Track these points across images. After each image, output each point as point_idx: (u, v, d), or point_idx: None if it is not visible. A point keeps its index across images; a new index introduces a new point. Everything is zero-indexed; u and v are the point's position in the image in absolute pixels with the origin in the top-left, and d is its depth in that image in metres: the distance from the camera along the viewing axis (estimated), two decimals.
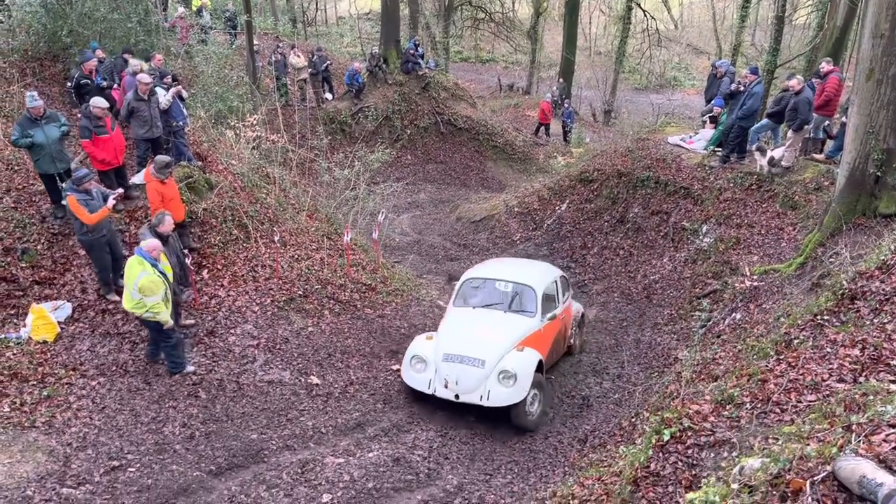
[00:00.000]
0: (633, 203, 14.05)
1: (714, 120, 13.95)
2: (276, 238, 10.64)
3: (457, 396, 8.08)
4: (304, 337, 9.71)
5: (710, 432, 4.98)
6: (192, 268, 9.33)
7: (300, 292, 10.39)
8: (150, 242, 7.70)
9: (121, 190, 9.25)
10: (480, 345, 8.29)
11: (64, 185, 8.96)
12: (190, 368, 8.41)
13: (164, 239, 8.19)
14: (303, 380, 8.90)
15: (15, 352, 7.85)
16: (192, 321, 9.16)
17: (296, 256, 11.08)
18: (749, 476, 3.34)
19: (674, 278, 11.80)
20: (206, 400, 8.08)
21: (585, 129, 26.13)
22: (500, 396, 7.89)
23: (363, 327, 10.51)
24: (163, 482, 6.65)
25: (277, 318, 9.81)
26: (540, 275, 9.68)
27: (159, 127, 10.31)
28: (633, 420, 7.60)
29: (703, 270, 10.93)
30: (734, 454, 4.54)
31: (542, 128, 25.70)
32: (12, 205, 9.36)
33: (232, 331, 9.28)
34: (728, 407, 5.32)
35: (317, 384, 8.90)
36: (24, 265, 8.85)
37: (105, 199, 8.52)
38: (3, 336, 8.01)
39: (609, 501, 5.03)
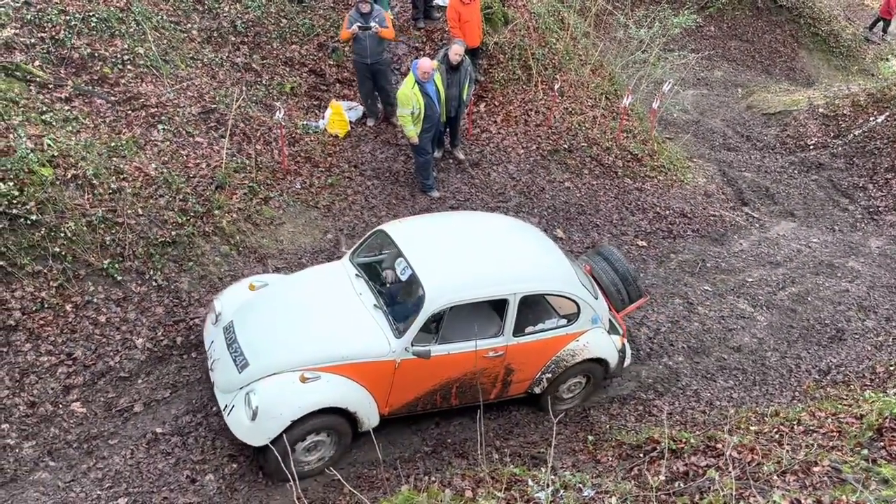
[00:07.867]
0: None
1: None
2: (556, 87, 10.52)
3: (213, 383, 5.57)
4: (559, 190, 9.78)
5: None
6: (472, 98, 9.62)
7: (566, 146, 10.35)
8: (422, 60, 7.95)
9: (374, 25, 8.61)
10: (269, 339, 5.41)
11: None
12: (435, 194, 8.86)
13: (453, 67, 8.35)
14: (549, 231, 9.09)
15: (312, 139, 8.87)
16: (463, 157, 9.59)
17: (570, 109, 10.93)
18: None
19: None
20: None
21: None
22: (236, 422, 5.14)
23: (618, 196, 10.29)
24: None
25: (539, 165, 9.93)
26: (491, 279, 5.63)
27: None
28: (892, 368, 6.83)
29: None
30: None
31: (881, 23, 21.79)
32: (332, 4, 10.17)
33: (495, 167, 9.61)
34: None
35: (561, 238, 9.05)
36: (332, 63, 9.74)
37: (380, 24, 8.64)
38: (305, 122, 9.05)
39: (840, 440, 4.67)
